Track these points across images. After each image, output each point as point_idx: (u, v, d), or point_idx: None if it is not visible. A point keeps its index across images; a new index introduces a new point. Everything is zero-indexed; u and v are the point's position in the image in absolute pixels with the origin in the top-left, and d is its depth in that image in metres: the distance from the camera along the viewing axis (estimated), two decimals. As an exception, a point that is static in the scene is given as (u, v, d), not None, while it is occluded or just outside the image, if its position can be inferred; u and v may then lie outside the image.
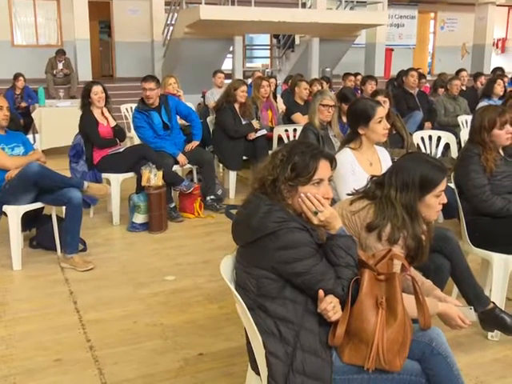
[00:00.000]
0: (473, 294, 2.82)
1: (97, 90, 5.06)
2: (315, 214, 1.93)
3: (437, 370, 1.91)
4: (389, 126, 3.24)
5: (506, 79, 7.56)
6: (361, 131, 3.13)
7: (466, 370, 2.64)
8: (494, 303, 2.85)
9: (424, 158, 2.28)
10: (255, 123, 6.09)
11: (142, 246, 4.61)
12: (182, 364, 2.83)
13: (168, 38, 12.71)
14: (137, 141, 7.47)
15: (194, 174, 5.84)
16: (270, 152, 5.56)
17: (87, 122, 5.04)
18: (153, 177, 4.88)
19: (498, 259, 3.10)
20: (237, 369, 2.71)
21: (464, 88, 8.15)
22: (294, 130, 6.05)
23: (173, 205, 5.30)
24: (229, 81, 7.43)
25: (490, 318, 2.79)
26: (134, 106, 8.20)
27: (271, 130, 6.33)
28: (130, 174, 5.18)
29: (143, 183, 4.91)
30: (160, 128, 5.42)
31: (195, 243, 4.65)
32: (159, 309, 3.44)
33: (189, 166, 5.72)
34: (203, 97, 8.48)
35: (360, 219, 2.23)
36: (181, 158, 5.44)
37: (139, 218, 4.93)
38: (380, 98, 4.42)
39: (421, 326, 1.93)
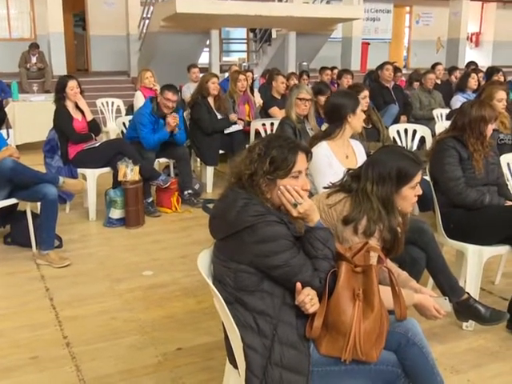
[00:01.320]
0: (448, 285, 2.86)
1: (72, 84, 4.99)
2: (295, 206, 1.94)
3: (413, 360, 1.93)
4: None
5: (480, 73, 7.65)
6: (349, 118, 3.18)
7: (442, 360, 2.69)
8: (468, 294, 2.90)
9: (399, 151, 2.31)
10: (232, 116, 6.08)
11: (119, 242, 4.57)
12: (160, 359, 2.82)
13: (144, 31, 12.59)
14: (113, 135, 7.44)
15: (170, 168, 5.82)
16: (247, 146, 5.55)
17: (61, 117, 4.97)
18: (129, 172, 4.85)
19: (472, 250, 3.14)
20: (215, 363, 2.71)
21: (439, 82, 8.23)
22: (272, 123, 6.05)
23: (150, 199, 5.27)
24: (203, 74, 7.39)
25: (465, 309, 2.84)
26: (109, 100, 8.25)
27: (248, 124, 6.33)
28: (107, 169, 5.14)
29: (120, 178, 4.87)
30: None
31: (172, 238, 4.64)
32: (137, 304, 3.42)
33: (165, 160, 5.69)
34: (180, 91, 8.42)
35: (336, 212, 2.24)
36: (170, 118, 5.28)
37: (116, 214, 4.89)
38: (364, 94, 4.46)
39: (397, 317, 1.95)
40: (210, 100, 6.01)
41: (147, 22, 12.39)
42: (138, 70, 12.49)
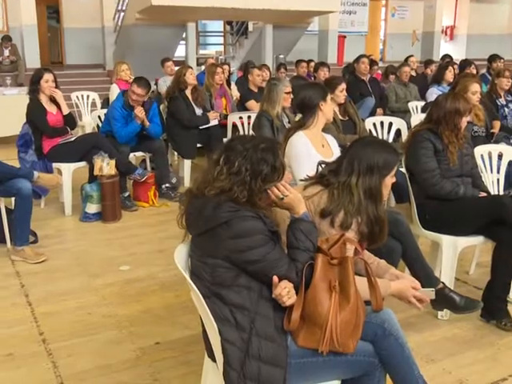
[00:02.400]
0: (423, 275, 2.89)
1: (48, 77, 4.92)
2: (281, 199, 1.97)
3: (389, 350, 1.96)
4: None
5: (455, 66, 7.74)
6: (322, 106, 3.23)
7: (417, 349, 2.72)
8: (443, 283, 2.94)
9: (380, 142, 2.38)
10: (212, 114, 6.06)
11: (96, 236, 4.54)
12: (138, 354, 2.81)
13: (119, 24, 12.44)
14: (88, 129, 7.36)
15: (147, 162, 5.78)
16: (224, 140, 5.54)
17: (35, 111, 4.89)
18: (105, 166, 4.81)
19: (447, 241, 3.19)
20: (194, 357, 2.71)
21: (414, 74, 8.30)
22: (249, 117, 6.04)
23: (127, 194, 5.23)
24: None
25: (440, 298, 2.87)
26: (85, 93, 8.14)
27: (225, 117, 6.31)
28: (82, 164, 5.09)
29: (96, 172, 4.83)
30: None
31: (150, 232, 4.62)
32: (114, 299, 3.40)
33: (142, 154, 5.65)
34: (156, 84, 8.36)
35: (314, 204, 2.26)
36: (138, 110, 5.25)
37: (92, 208, 4.85)
38: (341, 87, 4.49)
39: (373, 308, 1.97)
40: (188, 92, 5.99)
41: (122, 14, 12.24)
42: (113, 62, 12.33)
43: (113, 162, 4.85)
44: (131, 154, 5.45)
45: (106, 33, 13.10)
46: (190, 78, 5.95)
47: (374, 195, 2.21)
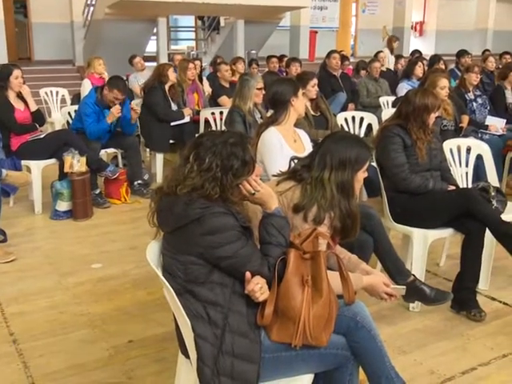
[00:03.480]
0: (395, 268, 2.93)
1: (17, 73, 4.84)
2: (253, 194, 1.97)
3: (361, 343, 1.98)
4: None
5: (424, 61, 7.84)
6: (293, 102, 3.22)
7: (389, 341, 2.76)
8: (414, 276, 2.98)
9: (353, 137, 2.41)
10: (187, 110, 6.04)
11: (67, 235, 4.48)
12: (111, 352, 2.79)
13: (88, 18, 12.25)
14: (58, 126, 7.24)
15: (118, 158, 5.72)
16: (196, 135, 5.51)
17: (2, 108, 4.80)
18: (76, 163, 4.75)
19: (417, 234, 3.24)
20: (168, 354, 2.70)
21: (384, 69, 8.38)
22: (221, 112, 6.02)
23: (98, 191, 5.18)
24: (151, 63, 7.31)
25: (411, 290, 2.90)
26: (54, 89, 8.01)
27: (198, 113, 6.28)
28: (52, 161, 5.02)
29: (66, 170, 4.77)
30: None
31: (122, 229, 4.58)
32: (86, 298, 3.36)
33: (113, 150, 5.60)
34: (127, 80, 8.28)
35: (287, 199, 2.27)
36: (114, 109, 5.19)
37: (63, 206, 4.79)
38: (313, 82, 4.51)
39: (345, 302, 1.99)
40: (166, 88, 5.99)
41: (92, 9, 12.07)
42: (83, 58, 12.19)
43: (83, 158, 4.79)
44: (102, 151, 5.39)
45: (75, 28, 12.88)
46: (172, 75, 5.99)
47: (346, 190, 2.23)
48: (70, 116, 5.78)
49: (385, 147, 3.28)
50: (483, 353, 2.79)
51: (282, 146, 3.12)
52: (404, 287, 2.50)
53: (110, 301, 3.33)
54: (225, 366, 1.82)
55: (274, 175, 2.50)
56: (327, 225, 2.23)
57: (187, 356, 1.95)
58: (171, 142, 6.01)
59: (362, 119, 5.42)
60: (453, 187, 3.34)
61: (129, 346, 2.85)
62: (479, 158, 3.89)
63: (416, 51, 10.29)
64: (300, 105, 3.30)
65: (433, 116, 3.30)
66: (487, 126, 5.46)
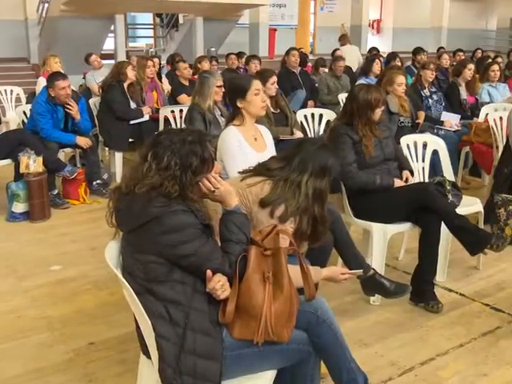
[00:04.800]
0: (355, 263, 2.96)
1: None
2: (213, 192, 1.97)
3: (322, 337, 2.00)
4: (266, 99, 3.37)
5: (381, 58, 7.97)
6: (239, 104, 3.16)
7: (351, 334, 2.80)
8: (374, 270, 3.03)
9: (331, 147, 2.57)
10: (146, 109, 5.97)
11: (24, 237, 4.38)
12: (71, 355, 2.74)
13: (43, 15, 11.99)
14: (13, 126, 7.06)
15: (76, 158, 5.63)
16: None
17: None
18: (32, 163, 4.65)
19: (376, 229, 3.29)
20: (130, 355, 2.67)
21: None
22: (181, 110, 5.98)
23: (55, 191, 5.08)
24: (108, 61, 7.20)
25: (371, 284, 2.96)
26: (8, 88, 7.80)
27: (157, 111, 6.23)
28: (7, 161, 4.90)
29: (22, 170, 4.66)
30: (61, 124, 5.20)
31: (81, 230, 4.50)
32: (45, 300, 3.30)
33: (71, 150, 5.50)
34: (84, 78, 8.15)
35: (252, 194, 2.30)
36: (81, 140, 5.22)
37: (19, 207, 4.68)
38: (272, 80, 4.52)
39: (306, 297, 2.01)
40: (125, 86, 5.92)
41: (46, 5, 11.81)
42: (38, 56, 11.92)
43: (40, 159, 4.70)
44: (60, 151, 5.29)
45: (29, 25, 12.58)
46: (131, 73, 5.92)
47: (321, 196, 2.31)
48: (26, 115, 5.64)
49: (335, 147, 3.30)
50: (441, 343, 2.86)
51: (241, 145, 3.10)
52: (360, 270, 2.63)
53: (70, 303, 3.27)
54: (187, 364, 1.81)
55: (239, 172, 2.52)
56: (293, 224, 2.27)
57: (149, 356, 1.93)
58: (130, 140, 5.93)
59: (321, 116, 5.47)
60: (399, 181, 3.37)
61: (90, 348, 2.80)
62: (435, 153, 3.98)
63: (373, 49, 10.45)
64: (252, 105, 3.16)
65: (377, 111, 3.33)
66: (443, 121, 5.58)
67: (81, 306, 3.22)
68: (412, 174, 3.55)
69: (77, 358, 2.72)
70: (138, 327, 1.96)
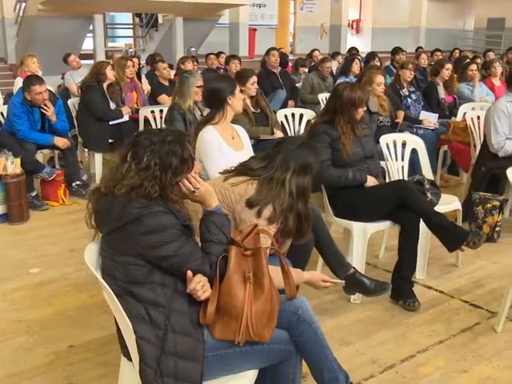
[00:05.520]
0: (335, 261, 2.99)
1: None
2: (193, 192, 1.96)
3: (303, 336, 2.01)
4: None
5: (359, 58, 8.03)
6: (229, 100, 3.21)
7: (332, 333, 2.82)
8: (354, 268, 3.04)
9: (312, 145, 2.56)
10: (125, 109, 5.93)
11: (2, 239, 4.32)
12: (51, 358, 2.72)
13: (21, 15, 11.84)
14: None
15: (55, 159, 5.57)
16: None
17: None
18: (10, 164, 4.59)
19: (357, 227, 3.31)
20: (110, 357, 2.65)
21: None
22: (161, 110, 5.95)
23: (34, 193, 5.03)
24: (87, 61, 7.14)
25: (352, 282, 2.97)
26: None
27: (137, 111, 6.19)
28: (-16, 163, 4.80)
29: (-1, 172, 4.59)
30: (37, 125, 5.14)
31: (61, 232, 4.45)
32: (24, 304, 3.26)
33: (49, 151, 5.44)
34: (63, 78, 8.06)
35: (235, 194, 2.30)
36: (59, 141, 5.17)
37: (-3, 210, 4.62)
38: (253, 79, 4.53)
39: (287, 296, 2.02)
40: (104, 86, 5.88)
41: (24, 5, 11.67)
42: (15, 56, 11.77)
43: (18, 160, 4.64)
44: (38, 152, 5.23)
45: (6, 25, 12.42)
46: (110, 73, 5.88)
47: (304, 193, 2.34)
48: (3, 116, 5.57)
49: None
50: (421, 340, 2.89)
51: (220, 144, 3.12)
52: (343, 281, 2.63)
53: (50, 305, 3.23)
54: (168, 366, 1.81)
55: (220, 173, 2.53)
56: (274, 224, 2.28)
57: (130, 358, 1.92)
58: (110, 141, 5.88)
59: (301, 116, 5.48)
60: (375, 181, 3.37)
61: (70, 350, 2.78)
62: (414, 152, 4.02)
63: (353, 48, 10.51)
64: (237, 103, 3.28)
65: (360, 111, 3.36)
66: (421, 120, 5.64)
67: (60, 309, 3.19)
68: (384, 176, 3.59)
69: (57, 361, 2.69)
70: (118, 329, 1.95)
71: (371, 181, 3.35)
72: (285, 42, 16.38)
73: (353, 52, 9.73)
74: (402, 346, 2.84)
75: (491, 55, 9.82)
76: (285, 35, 17.16)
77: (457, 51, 11.35)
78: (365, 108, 3.41)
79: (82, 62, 8.31)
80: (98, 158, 5.83)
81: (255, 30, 16.03)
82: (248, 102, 4.60)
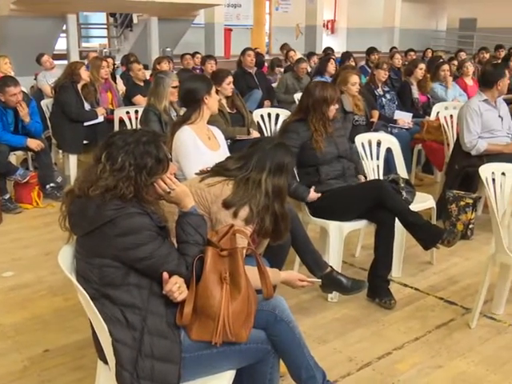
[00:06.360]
0: (312, 261, 3.00)
1: None
2: (168, 193, 1.95)
3: (280, 336, 2.01)
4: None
5: (334, 57, 8.09)
6: (206, 100, 3.21)
7: (310, 332, 2.83)
8: (331, 267, 3.06)
9: (287, 145, 2.60)
10: (100, 110, 5.88)
11: (-26, 243, 4.24)
12: (26, 363, 2.68)
13: (-8, 15, 11.65)
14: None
15: (28, 161, 5.49)
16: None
17: None
18: (-19, 167, 4.50)
19: (333, 226, 3.33)
20: (87, 361, 2.63)
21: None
22: (136, 111, 5.90)
23: (7, 196, 4.95)
24: (61, 61, 7.06)
25: (329, 281, 2.99)
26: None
27: (112, 112, 6.13)
28: (-45, 166, 4.73)
29: (-30, 175, 4.51)
30: (11, 127, 5.06)
31: (35, 235, 4.39)
32: (-2, 308, 3.21)
33: (22, 153, 5.36)
34: (36, 79, 7.95)
35: (211, 194, 2.30)
36: (32, 143, 5.09)
37: (-31, 213, 4.53)
38: (228, 80, 4.54)
39: (264, 296, 2.02)
40: (79, 87, 5.81)
41: (-5, 4, 11.47)
42: (-14, 56, 11.55)
43: (-10, 162, 4.56)
44: (11, 154, 5.15)
45: (-23, 24, 12.20)
46: (84, 73, 5.82)
47: (280, 194, 2.35)
48: (-26, 118, 5.46)
49: None
50: (397, 337, 2.92)
51: (196, 144, 3.11)
52: (320, 280, 2.62)
53: (24, 310, 3.19)
54: (144, 368, 1.79)
55: (196, 173, 2.52)
56: (251, 225, 2.29)
57: (106, 362, 1.90)
58: (85, 142, 5.81)
59: (277, 116, 5.49)
60: (317, 195, 3.33)
61: (45, 355, 2.74)
62: (389, 151, 4.06)
63: (328, 48, 10.57)
64: (213, 103, 3.29)
65: (332, 108, 3.39)
66: (396, 120, 5.70)
67: (35, 313, 3.14)
68: (365, 177, 3.62)
69: (32, 366, 2.65)
70: (94, 332, 1.93)
71: (313, 195, 3.33)
72: (260, 42, 16.41)
73: (328, 52, 9.79)
74: (379, 343, 2.87)
75: (463, 55, 9.96)
76: (260, 35, 17.19)
77: (429, 51, 11.50)
78: (337, 106, 3.44)
79: (56, 62, 8.21)
80: (73, 159, 5.76)
81: (231, 30, 16.01)
82: (224, 102, 4.60)
